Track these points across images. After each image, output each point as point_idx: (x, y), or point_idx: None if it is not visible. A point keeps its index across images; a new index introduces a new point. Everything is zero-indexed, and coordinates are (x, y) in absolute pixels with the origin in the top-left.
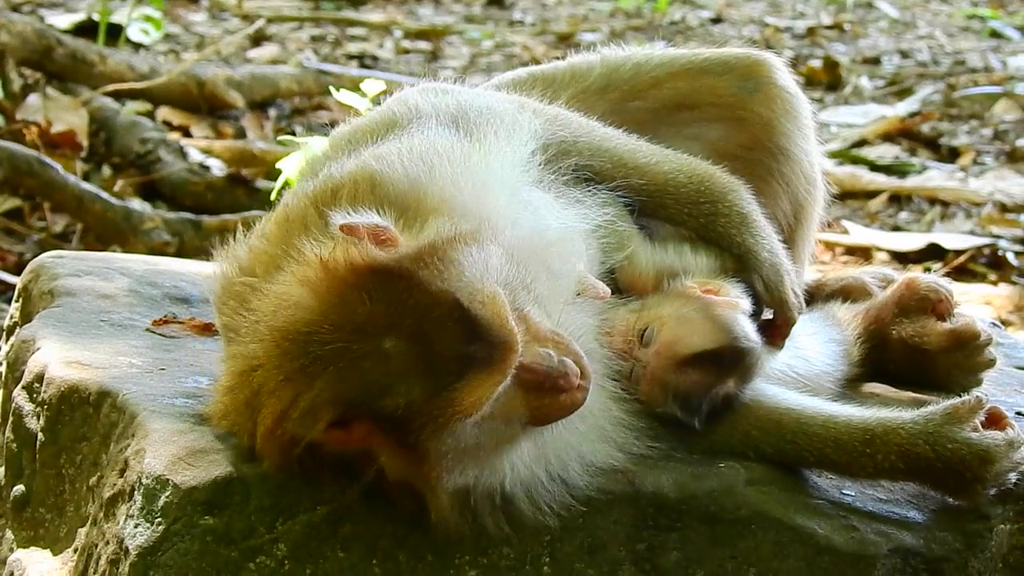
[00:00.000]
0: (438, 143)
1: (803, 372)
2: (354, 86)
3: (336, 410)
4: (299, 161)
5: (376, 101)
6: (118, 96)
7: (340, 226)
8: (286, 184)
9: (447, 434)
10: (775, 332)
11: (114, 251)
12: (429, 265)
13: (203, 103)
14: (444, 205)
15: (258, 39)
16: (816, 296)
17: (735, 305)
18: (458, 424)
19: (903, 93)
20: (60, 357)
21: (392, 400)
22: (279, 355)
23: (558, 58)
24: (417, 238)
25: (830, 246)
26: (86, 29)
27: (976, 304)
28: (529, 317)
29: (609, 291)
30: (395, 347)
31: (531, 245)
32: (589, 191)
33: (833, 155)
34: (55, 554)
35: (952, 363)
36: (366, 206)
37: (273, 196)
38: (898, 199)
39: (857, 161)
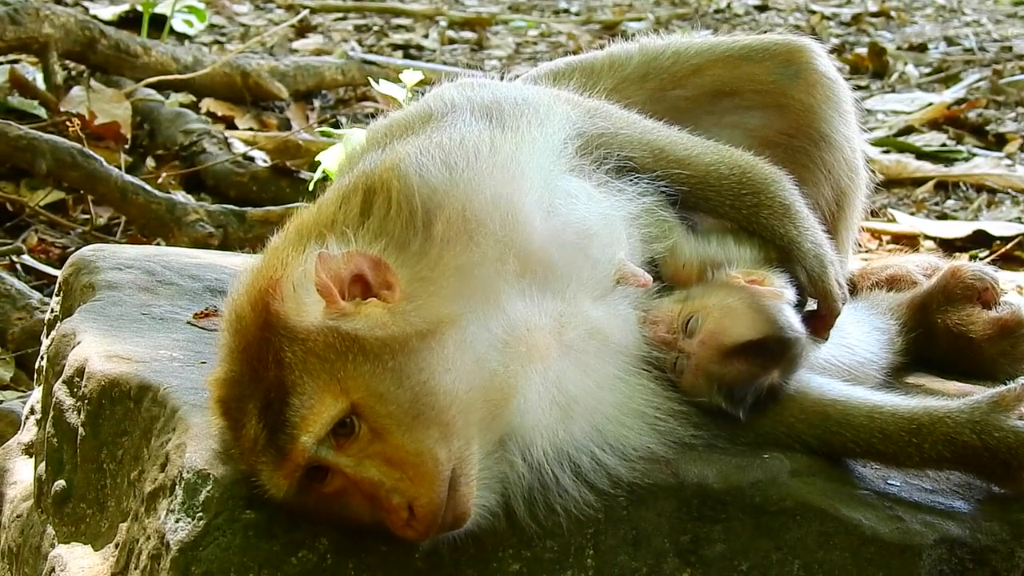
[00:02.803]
0: (467, 136)
1: (847, 361)
2: (398, 76)
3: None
4: (339, 155)
5: (415, 92)
6: (162, 88)
7: (316, 285)
8: (325, 176)
9: None
10: (819, 323)
11: (158, 243)
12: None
13: (247, 94)
14: (465, 207)
15: (303, 29)
16: (861, 285)
17: (779, 295)
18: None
19: (950, 80)
20: (101, 351)
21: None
22: (215, 381)
23: (600, 47)
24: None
25: (877, 234)
26: (129, 20)
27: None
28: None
29: (651, 279)
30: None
31: (567, 233)
32: (630, 180)
33: (879, 143)
34: (96, 549)
35: (998, 351)
36: (384, 209)
37: (311, 187)
38: (945, 186)
39: (904, 149)
